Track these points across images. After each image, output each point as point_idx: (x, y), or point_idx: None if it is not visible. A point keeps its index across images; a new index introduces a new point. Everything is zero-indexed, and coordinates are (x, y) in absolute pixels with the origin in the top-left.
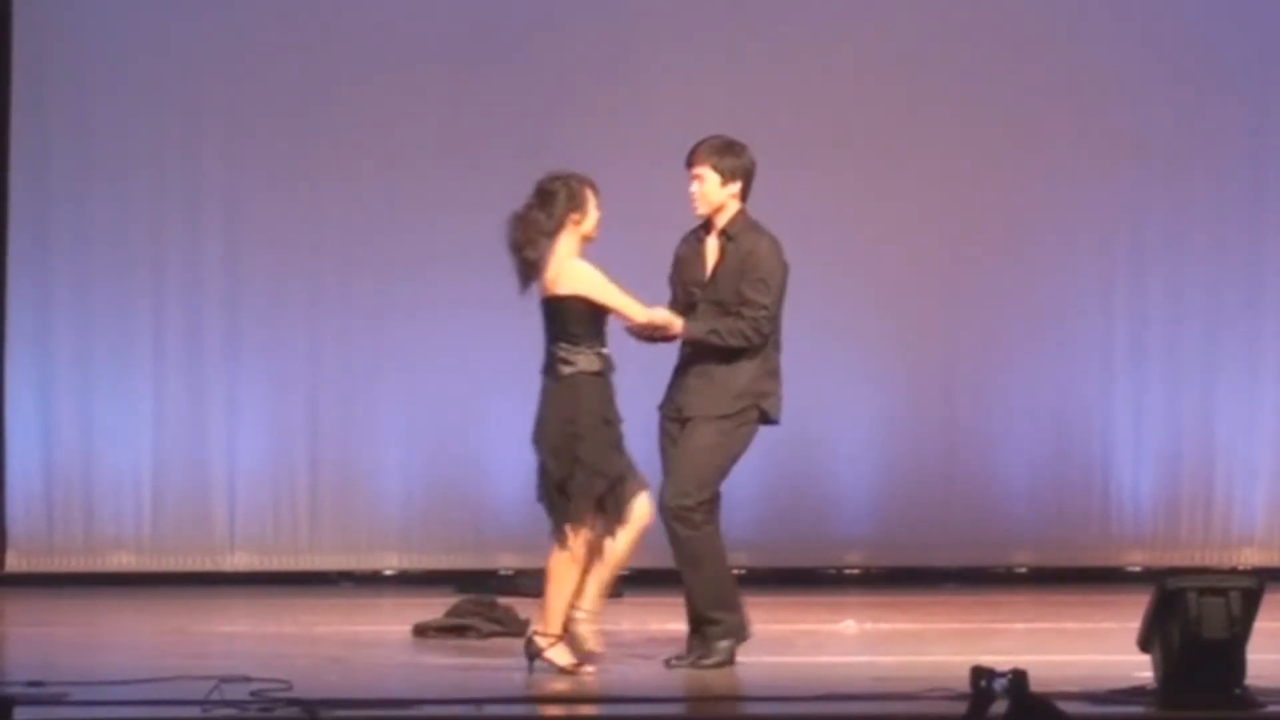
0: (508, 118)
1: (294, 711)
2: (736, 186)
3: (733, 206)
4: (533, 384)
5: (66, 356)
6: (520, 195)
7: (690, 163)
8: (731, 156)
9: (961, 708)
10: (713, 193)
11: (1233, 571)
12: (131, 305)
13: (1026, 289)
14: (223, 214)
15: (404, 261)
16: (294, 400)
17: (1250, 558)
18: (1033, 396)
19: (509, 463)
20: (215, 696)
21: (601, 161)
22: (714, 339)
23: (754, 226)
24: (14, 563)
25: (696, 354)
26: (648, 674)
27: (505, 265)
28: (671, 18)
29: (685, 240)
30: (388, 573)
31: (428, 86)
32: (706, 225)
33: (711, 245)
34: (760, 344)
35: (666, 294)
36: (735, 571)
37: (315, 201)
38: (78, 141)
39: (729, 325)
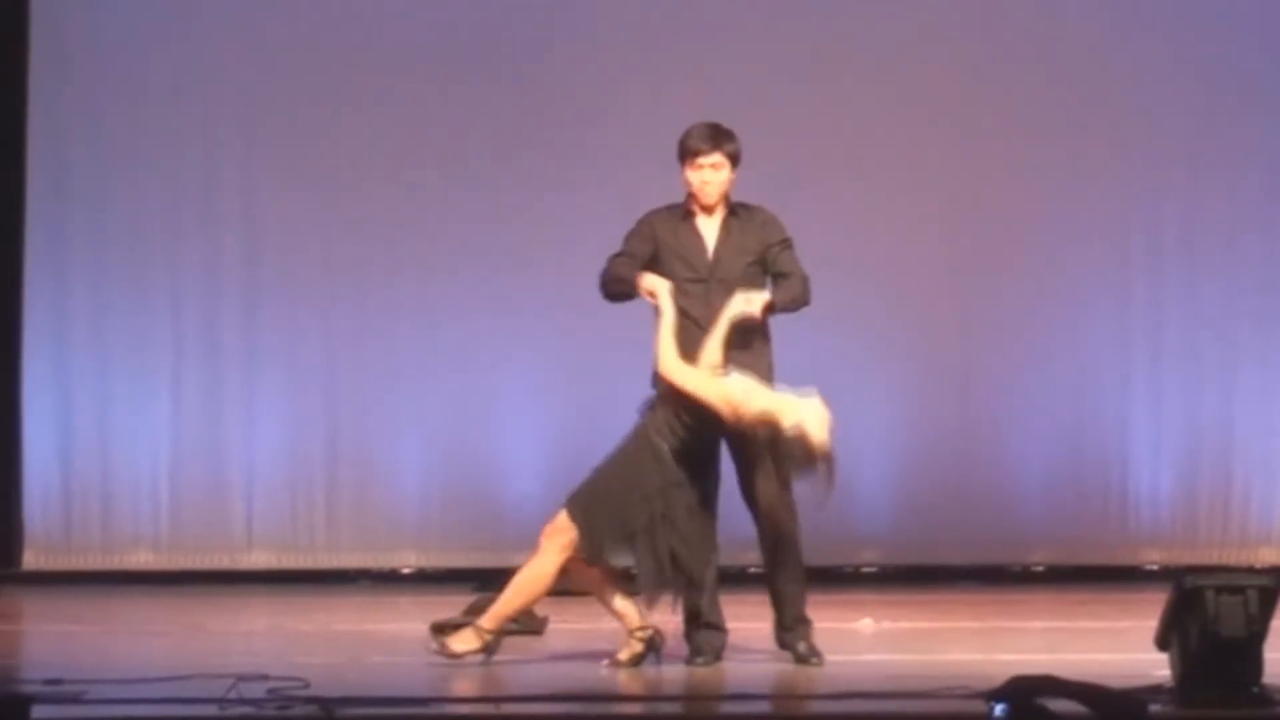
0: (523, 125)
1: (311, 710)
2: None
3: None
4: (546, 385)
5: (85, 356)
6: (530, 200)
7: (711, 150)
8: (736, 143)
9: (978, 707)
10: (727, 179)
11: (1251, 570)
12: (149, 305)
13: (1043, 287)
14: (240, 215)
15: (420, 262)
16: (311, 399)
17: (1268, 556)
18: (1050, 394)
19: (526, 461)
20: (233, 695)
21: (617, 170)
22: (794, 307)
23: (741, 203)
24: (32, 561)
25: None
26: (666, 672)
27: (520, 267)
28: (680, 25)
29: (662, 222)
30: (405, 571)
31: (443, 93)
32: (686, 208)
33: (707, 226)
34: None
35: None
36: (750, 571)
37: (332, 204)
38: (94, 144)
39: (792, 293)
